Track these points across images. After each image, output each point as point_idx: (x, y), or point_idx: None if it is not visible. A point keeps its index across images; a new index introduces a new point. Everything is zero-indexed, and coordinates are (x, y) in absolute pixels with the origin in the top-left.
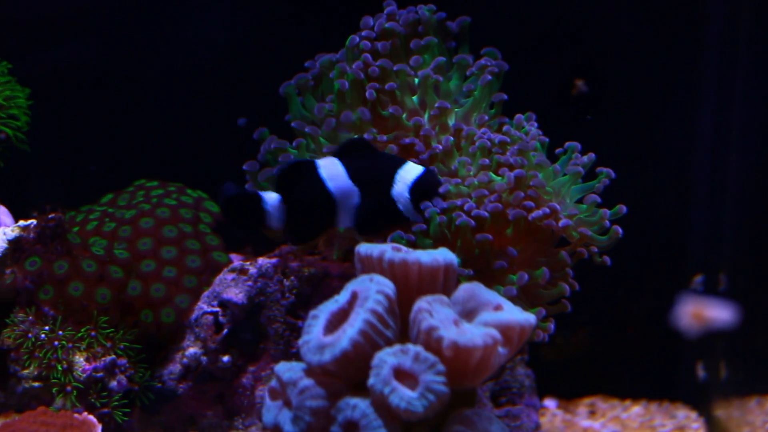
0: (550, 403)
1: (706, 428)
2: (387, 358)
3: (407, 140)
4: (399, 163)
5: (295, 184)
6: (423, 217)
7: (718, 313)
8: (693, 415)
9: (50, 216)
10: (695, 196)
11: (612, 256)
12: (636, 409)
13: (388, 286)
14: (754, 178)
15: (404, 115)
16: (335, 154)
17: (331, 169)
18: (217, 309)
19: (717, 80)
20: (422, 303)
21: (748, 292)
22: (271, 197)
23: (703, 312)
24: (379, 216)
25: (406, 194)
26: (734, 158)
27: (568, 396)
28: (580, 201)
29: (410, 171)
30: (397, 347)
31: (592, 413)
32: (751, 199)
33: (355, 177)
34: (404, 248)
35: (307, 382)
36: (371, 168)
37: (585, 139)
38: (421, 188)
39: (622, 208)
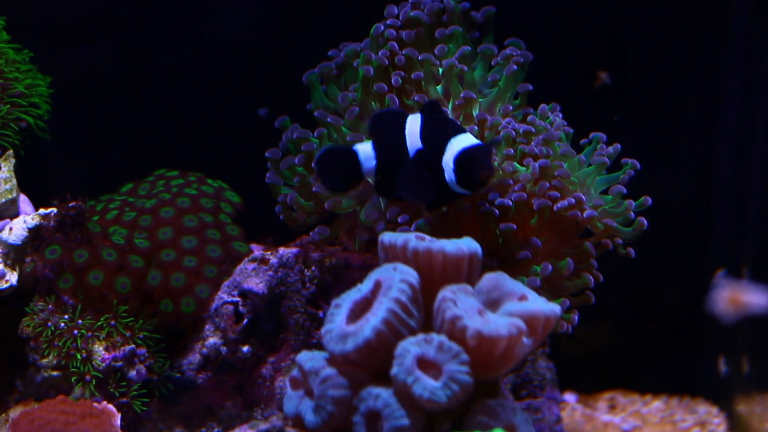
0: (569, 397)
1: (727, 424)
2: (410, 347)
3: None
4: (457, 131)
5: (383, 133)
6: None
7: (755, 297)
8: (714, 410)
9: (71, 204)
10: (719, 189)
11: (634, 249)
12: (656, 404)
13: (411, 275)
14: None
15: None
16: (421, 110)
17: (412, 126)
18: (238, 299)
19: (742, 72)
20: (446, 292)
21: None
22: (364, 147)
23: (740, 297)
24: (425, 182)
25: (451, 164)
26: (759, 151)
27: (587, 390)
28: (604, 192)
29: (462, 141)
30: (420, 336)
31: (612, 408)
32: None
33: (424, 138)
34: (428, 237)
35: (329, 371)
36: (436, 131)
37: (609, 131)
38: (466, 160)
39: (647, 200)
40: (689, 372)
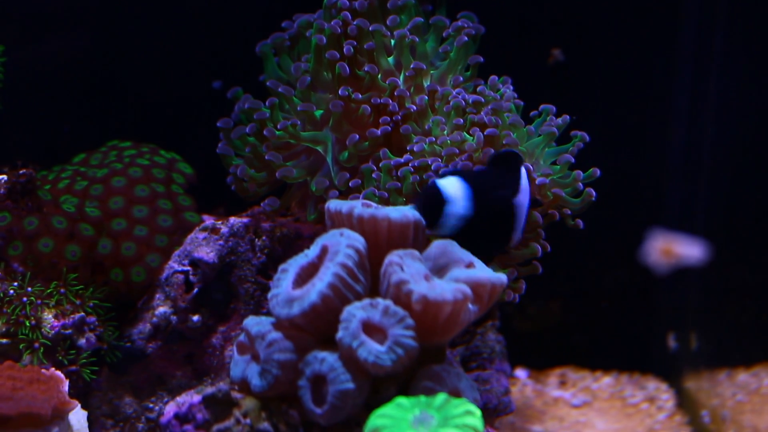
0: (520, 373)
1: (676, 399)
2: (356, 311)
3: (380, 100)
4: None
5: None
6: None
7: (688, 249)
8: (663, 386)
9: (21, 171)
10: (671, 168)
11: (586, 227)
12: (606, 380)
13: (358, 240)
14: (730, 154)
15: (379, 76)
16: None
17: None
18: (188, 268)
19: (694, 51)
20: (393, 257)
21: (722, 266)
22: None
23: (673, 248)
24: None
25: None
26: (710, 132)
27: (539, 367)
28: (554, 164)
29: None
30: (366, 301)
31: (562, 383)
32: (726, 174)
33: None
34: (374, 204)
35: (275, 335)
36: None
37: (561, 109)
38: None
39: (596, 171)
40: (640, 349)
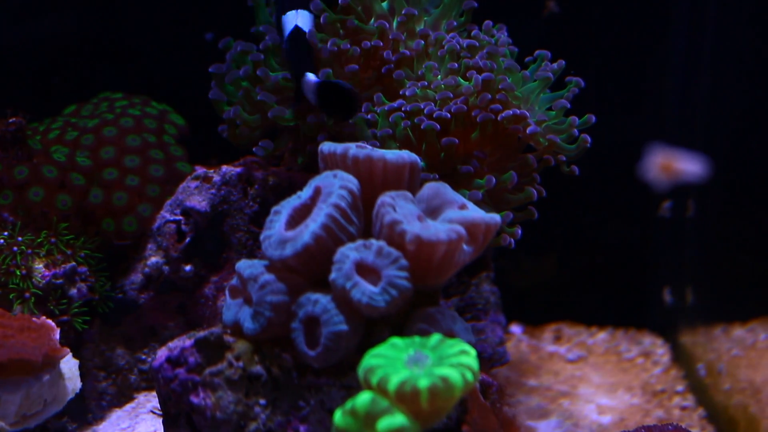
0: (515, 328)
1: (671, 354)
2: (349, 252)
3: (370, 43)
4: None
5: None
6: None
7: (688, 165)
8: (659, 341)
9: (10, 120)
10: (666, 124)
11: (581, 182)
12: (601, 335)
13: (351, 181)
14: (726, 104)
15: (372, 21)
16: None
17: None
18: (180, 217)
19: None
20: (386, 198)
21: (716, 220)
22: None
23: (673, 163)
24: None
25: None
26: (705, 83)
27: (534, 322)
28: (549, 110)
29: None
30: (359, 242)
31: (557, 339)
32: (722, 126)
33: None
34: (368, 146)
35: (267, 277)
36: None
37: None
38: None
39: (591, 118)
40: (635, 304)
